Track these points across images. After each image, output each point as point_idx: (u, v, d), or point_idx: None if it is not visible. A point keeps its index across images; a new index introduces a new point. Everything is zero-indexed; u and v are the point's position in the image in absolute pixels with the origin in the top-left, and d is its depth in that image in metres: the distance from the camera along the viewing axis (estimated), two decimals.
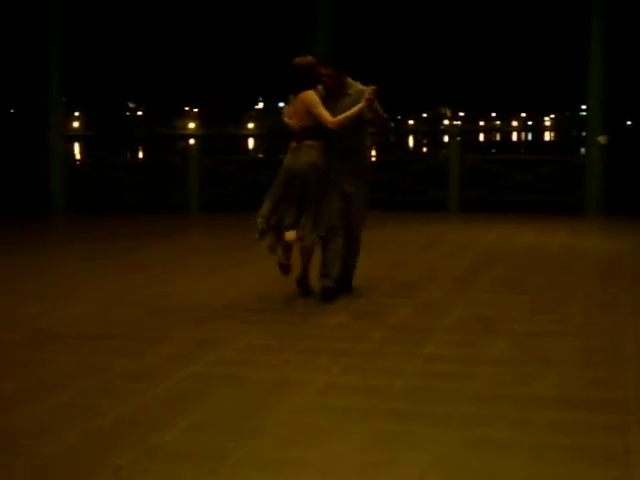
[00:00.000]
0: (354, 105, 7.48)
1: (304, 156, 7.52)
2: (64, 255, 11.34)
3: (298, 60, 7.60)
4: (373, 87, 7.50)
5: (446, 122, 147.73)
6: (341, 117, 7.46)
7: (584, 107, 16.27)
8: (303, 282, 7.86)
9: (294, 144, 7.63)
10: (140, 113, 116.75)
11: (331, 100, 7.60)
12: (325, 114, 7.45)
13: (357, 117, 7.49)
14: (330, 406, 4.91)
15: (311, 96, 7.50)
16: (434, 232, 12.97)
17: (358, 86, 7.70)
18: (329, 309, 7.36)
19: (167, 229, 13.61)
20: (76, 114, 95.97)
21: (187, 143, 29.52)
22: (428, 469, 3.99)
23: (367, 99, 7.41)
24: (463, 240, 12.02)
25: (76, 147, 53.82)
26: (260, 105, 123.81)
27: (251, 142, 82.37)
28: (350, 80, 7.75)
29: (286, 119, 7.67)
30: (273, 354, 6.04)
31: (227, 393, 5.15)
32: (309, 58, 7.65)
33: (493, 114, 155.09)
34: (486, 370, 5.61)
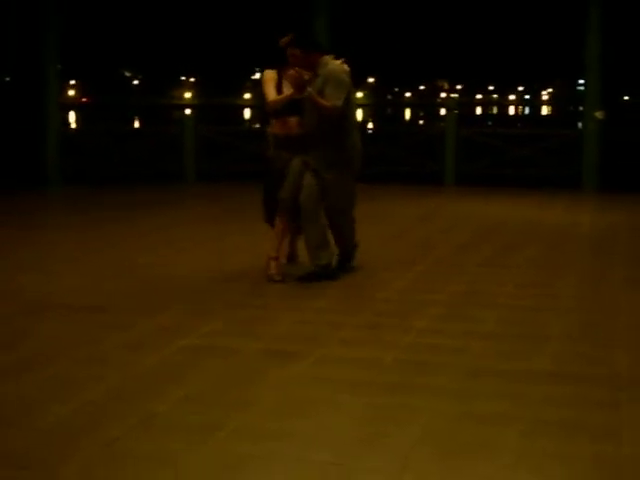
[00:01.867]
0: (325, 85, 7.15)
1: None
2: (58, 226, 11.33)
3: (281, 39, 7.38)
4: (293, 71, 7.19)
5: (443, 95, 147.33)
6: (277, 98, 7.33)
7: (581, 81, 16.21)
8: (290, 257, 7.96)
9: None
10: (136, 82, 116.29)
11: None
12: (268, 92, 7.35)
13: (314, 105, 7.16)
14: (322, 378, 4.92)
15: (264, 74, 7.46)
16: (430, 205, 12.97)
17: (330, 66, 7.25)
18: (323, 282, 7.36)
19: (163, 199, 13.58)
20: (72, 82, 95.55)
21: (183, 113, 29.39)
22: (419, 441, 4.00)
23: (296, 85, 7.18)
24: (459, 214, 12.02)
25: (72, 116, 53.57)
26: (257, 75, 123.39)
27: (247, 112, 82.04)
28: (327, 59, 7.29)
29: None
30: (266, 326, 6.05)
31: (220, 365, 5.16)
32: (286, 38, 7.35)
33: (490, 87, 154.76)
34: (479, 344, 5.62)
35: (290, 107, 7.32)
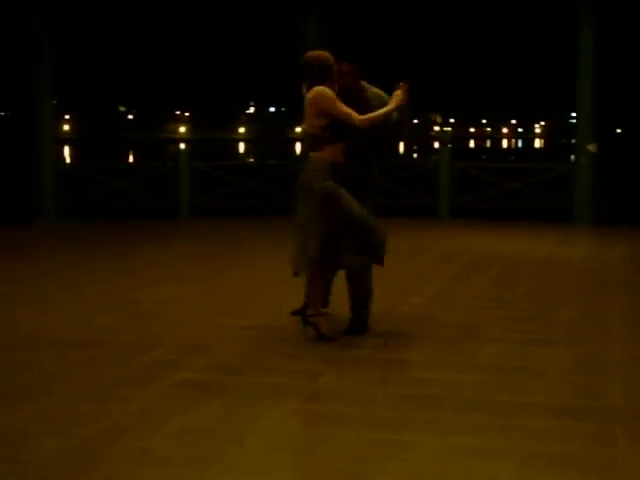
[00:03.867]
0: (382, 105, 6.56)
1: (304, 172, 6.53)
2: (53, 260, 11.32)
3: (311, 54, 6.59)
4: (405, 83, 6.63)
5: (436, 128, 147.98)
6: (371, 115, 6.45)
7: (574, 115, 16.31)
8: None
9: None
10: (131, 117, 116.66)
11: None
12: (348, 110, 6.39)
13: (381, 124, 6.51)
14: (316, 413, 4.92)
15: (326, 91, 6.41)
16: (423, 238, 13.00)
17: (373, 89, 6.79)
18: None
19: (156, 235, 13.58)
20: (66, 117, 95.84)
21: (178, 147, 29.44)
22: (413, 477, 3.99)
23: (402, 95, 6.57)
24: (452, 247, 12.04)
25: (66, 150, 53.69)
26: (251, 110, 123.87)
27: (242, 146, 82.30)
28: (365, 84, 6.82)
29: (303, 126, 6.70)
30: (261, 360, 6.04)
31: (215, 400, 5.15)
32: (324, 52, 6.60)
33: (483, 121, 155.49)
34: (473, 378, 5.62)
35: (346, 130, 6.50)
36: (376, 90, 6.82)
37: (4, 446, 4.38)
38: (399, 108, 6.62)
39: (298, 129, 29.68)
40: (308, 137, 6.60)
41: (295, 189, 6.71)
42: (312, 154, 6.50)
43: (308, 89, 6.53)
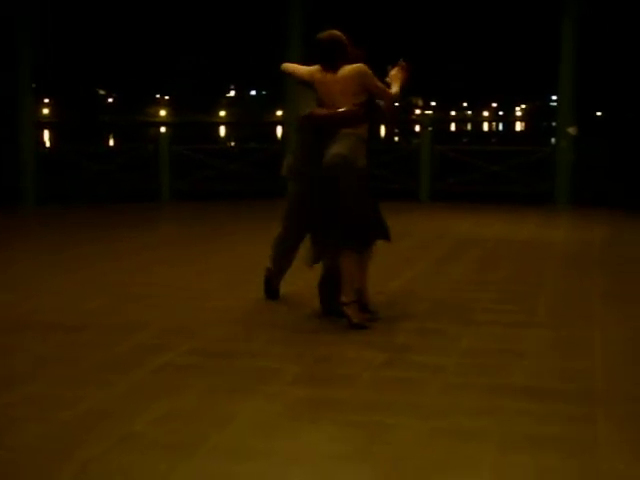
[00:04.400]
0: None
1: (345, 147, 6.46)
2: (34, 246, 11.26)
3: (328, 35, 6.57)
4: (404, 62, 6.75)
5: (417, 112, 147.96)
6: (398, 91, 6.64)
7: (554, 97, 16.36)
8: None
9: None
10: (111, 100, 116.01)
11: None
12: (384, 86, 6.56)
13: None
14: (301, 396, 4.94)
15: (366, 68, 6.44)
16: (404, 222, 12.98)
17: None
18: (299, 299, 7.37)
19: (137, 219, 13.55)
20: (46, 101, 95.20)
21: (158, 131, 29.32)
22: (397, 458, 4.02)
23: (403, 74, 6.67)
24: (433, 230, 12.08)
25: (46, 134, 53.34)
26: (232, 93, 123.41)
27: (222, 130, 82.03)
28: None
29: (316, 110, 6.54)
30: (245, 344, 6.06)
31: (199, 383, 5.16)
32: (338, 32, 6.59)
33: (464, 104, 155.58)
34: (455, 360, 5.65)
35: (372, 109, 6.60)
36: None
37: None
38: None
39: (279, 112, 29.57)
40: (339, 115, 6.47)
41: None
42: (349, 130, 6.45)
43: (327, 69, 6.52)
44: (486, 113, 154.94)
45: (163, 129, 42.45)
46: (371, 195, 6.65)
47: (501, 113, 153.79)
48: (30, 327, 6.51)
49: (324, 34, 6.60)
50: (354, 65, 6.45)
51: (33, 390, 5.01)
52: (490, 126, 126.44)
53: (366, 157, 6.53)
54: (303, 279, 7.49)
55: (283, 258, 7.30)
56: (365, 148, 6.54)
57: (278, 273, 7.39)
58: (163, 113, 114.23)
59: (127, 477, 3.82)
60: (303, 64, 6.91)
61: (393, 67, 6.82)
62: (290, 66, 7.02)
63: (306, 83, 6.70)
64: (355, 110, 6.45)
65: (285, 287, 7.46)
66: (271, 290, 7.41)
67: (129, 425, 4.43)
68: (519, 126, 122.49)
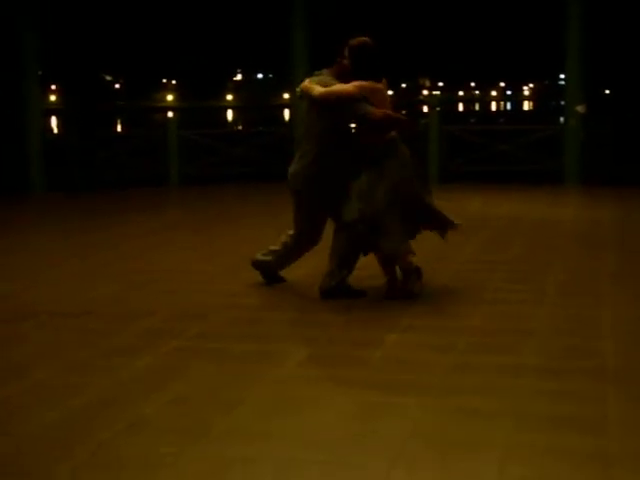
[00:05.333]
0: None
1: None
2: (41, 232, 11.26)
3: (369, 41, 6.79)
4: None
5: (425, 92, 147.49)
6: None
7: (562, 76, 16.26)
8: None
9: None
10: (117, 86, 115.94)
11: None
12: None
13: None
14: (312, 377, 4.93)
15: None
16: None
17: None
18: (309, 281, 7.35)
19: (145, 204, 13.54)
20: (52, 87, 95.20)
21: (166, 116, 29.27)
22: (408, 438, 4.01)
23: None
24: (442, 211, 12.00)
25: (53, 121, 53.32)
26: (239, 77, 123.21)
27: (230, 114, 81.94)
28: None
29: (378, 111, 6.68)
30: (254, 326, 6.05)
31: (208, 367, 5.15)
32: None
33: (472, 84, 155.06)
34: (466, 340, 5.63)
35: None
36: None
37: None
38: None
39: (286, 95, 29.52)
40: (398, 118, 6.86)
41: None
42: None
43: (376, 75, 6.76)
44: (494, 93, 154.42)
45: (170, 114, 42.37)
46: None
47: (509, 93, 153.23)
48: (36, 315, 6.50)
49: (368, 41, 6.76)
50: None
51: (41, 378, 5.01)
52: (498, 106, 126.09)
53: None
54: (308, 264, 7.45)
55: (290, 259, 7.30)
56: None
57: (279, 267, 7.38)
58: (170, 98, 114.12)
59: (137, 462, 3.81)
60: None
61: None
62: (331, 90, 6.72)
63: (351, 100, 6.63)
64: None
65: (291, 272, 7.43)
66: (271, 276, 7.38)
67: (138, 410, 4.42)
68: (527, 105, 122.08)
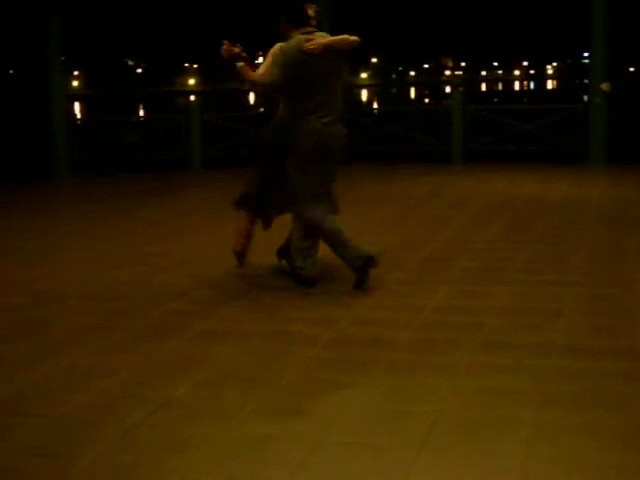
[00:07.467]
0: None
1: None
2: (67, 216, 11.34)
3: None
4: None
5: (448, 72, 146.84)
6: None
7: (587, 54, 16.14)
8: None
9: None
10: (139, 71, 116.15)
11: None
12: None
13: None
14: (339, 358, 4.94)
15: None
16: (437, 183, 12.95)
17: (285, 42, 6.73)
18: (334, 264, 7.35)
19: (170, 187, 13.60)
20: (75, 73, 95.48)
21: (188, 100, 29.28)
22: (438, 418, 4.02)
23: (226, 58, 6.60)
24: (467, 191, 12.01)
25: (76, 107, 53.54)
26: (259, 60, 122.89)
27: (252, 97, 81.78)
28: (294, 34, 6.71)
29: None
30: (279, 309, 6.07)
31: (237, 348, 5.18)
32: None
33: (495, 63, 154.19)
34: (493, 320, 5.63)
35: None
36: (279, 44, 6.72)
37: (29, 401, 4.42)
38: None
39: None
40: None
41: None
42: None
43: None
44: (517, 72, 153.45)
45: (192, 97, 42.42)
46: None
47: (532, 72, 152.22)
48: (64, 299, 6.55)
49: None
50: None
51: (72, 360, 5.05)
52: (521, 85, 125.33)
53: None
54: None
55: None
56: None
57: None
58: (192, 82, 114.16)
59: (170, 441, 3.84)
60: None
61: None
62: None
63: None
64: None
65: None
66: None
67: (169, 392, 4.46)
68: (550, 84, 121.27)
